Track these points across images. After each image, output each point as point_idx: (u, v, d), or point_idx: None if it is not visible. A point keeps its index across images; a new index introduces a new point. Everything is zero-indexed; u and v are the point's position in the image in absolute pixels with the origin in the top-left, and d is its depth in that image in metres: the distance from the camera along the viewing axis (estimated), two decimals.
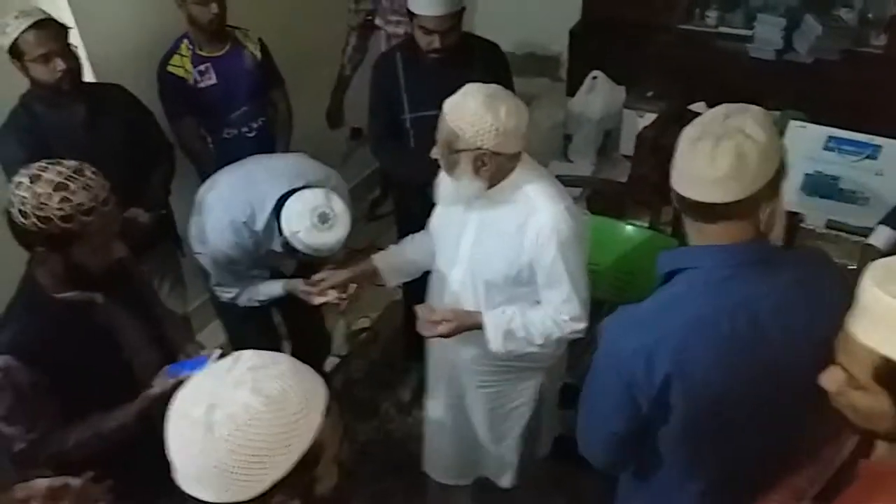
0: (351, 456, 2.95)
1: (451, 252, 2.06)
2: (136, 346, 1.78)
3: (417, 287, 3.11)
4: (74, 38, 2.47)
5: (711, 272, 1.36)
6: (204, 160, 2.90)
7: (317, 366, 2.83)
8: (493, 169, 1.85)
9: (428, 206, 2.64)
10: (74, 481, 1.35)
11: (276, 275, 2.50)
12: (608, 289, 2.71)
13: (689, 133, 1.34)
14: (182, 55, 2.84)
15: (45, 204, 1.50)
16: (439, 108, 2.54)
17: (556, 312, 1.95)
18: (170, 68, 2.83)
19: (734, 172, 1.27)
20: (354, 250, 4.01)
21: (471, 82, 2.52)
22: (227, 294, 2.43)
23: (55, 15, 2.41)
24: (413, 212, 2.89)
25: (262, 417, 0.93)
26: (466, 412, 2.31)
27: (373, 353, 3.46)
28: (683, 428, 1.41)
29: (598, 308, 2.18)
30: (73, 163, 1.57)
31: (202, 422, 0.93)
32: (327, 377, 3.25)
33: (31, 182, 1.51)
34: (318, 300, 2.29)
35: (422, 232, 2.29)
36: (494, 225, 1.95)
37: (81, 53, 2.52)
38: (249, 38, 3.00)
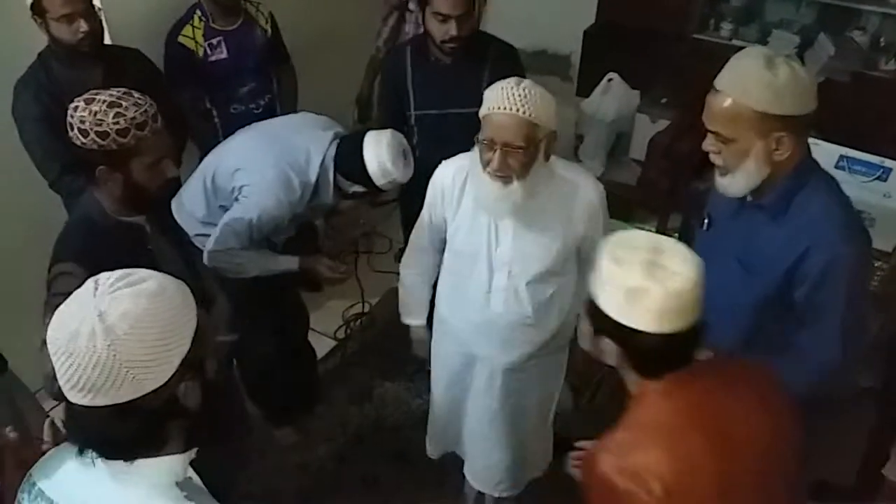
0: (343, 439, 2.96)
1: (485, 263, 2.03)
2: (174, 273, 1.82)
3: None
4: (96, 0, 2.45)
5: None
6: (205, 134, 2.88)
7: (301, 340, 2.89)
8: (552, 150, 1.89)
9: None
10: None
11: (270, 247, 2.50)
12: None
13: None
14: (194, 26, 2.82)
15: (102, 120, 1.61)
16: (445, 107, 2.57)
17: None
18: (180, 38, 2.81)
19: None
20: (355, 235, 4.06)
21: (481, 83, 2.53)
22: (233, 262, 2.37)
23: None
24: (416, 210, 2.90)
25: (152, 307, 1.02)
26: (517, 414, 2.28)
27: (369, 339, 3.46)
28: None
29: None
30: (121, 88, 1.68)
31: (99, 330, 0.99)
32: (321, 361, 3.27)
33: (87, 104, 1.63)
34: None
35: (414, 256, 2.30)
36: (534, 220, 1.95)
37: (102, 15, 2.50)
38: (261, 13, 2.98)
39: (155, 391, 1.03)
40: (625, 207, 2.94)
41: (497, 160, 1.80)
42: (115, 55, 2.50)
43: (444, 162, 2.12)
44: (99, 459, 1.07)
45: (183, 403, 1.07)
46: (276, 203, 2.25)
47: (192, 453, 1.13)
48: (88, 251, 1.70)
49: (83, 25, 2.30)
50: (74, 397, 1.02)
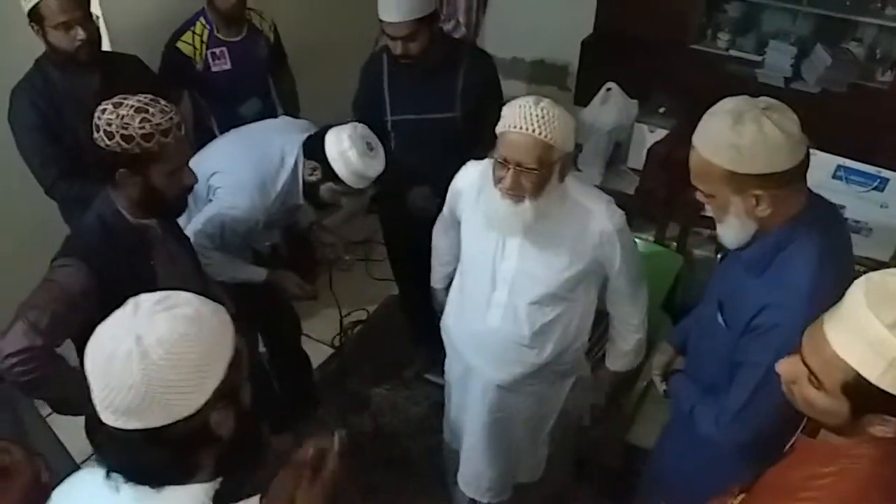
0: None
1: (488, 276, 2.01)
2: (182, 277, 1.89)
3: (412, 279, 3.15)
4: (95, 7, 2.45)
5: None
6: (201, 140, 2.88)
7: (293, 346, 2.91)
8: (567, 171, 1.87)
9: (407, 212, 2.67)
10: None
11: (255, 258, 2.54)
12: None
13: None
14: (196, 33, 2.82)
15: (129, 124, 1.64)
16: (420, 112, 2.58)
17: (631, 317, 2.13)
18: (178, 44, 2.82)
19: None
20: (353, 242, 4.06)
21: (455, 89, 2.56)
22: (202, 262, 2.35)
23: None
24: (395, 220, 2.93)
25: (189, 332, 1.02)
26: (507, 429, 2.28)
27: (367, 347, 3.46)
28: None
29: (600, 319, 2.23)
30: (149, 95, 1.73)
31: (135, 352, 0.99)
32: (319, 368, 3.26)
33: (115, 107, 1.66)
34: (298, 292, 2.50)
35: (442, 226, 2.31)
36: (543, 241, 1.92)
37: (101, 23, 2.51)
38: (265, 20, 2.99)
39: (187, 418, 1.02)
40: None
41: (510, 179, 1.78)
42: (112, 62, 2.50)
43: (468, 163, 2.12)
44: (125, 484, 1.06)
45: (215, 431, 1.07)
46: (250, 204, 2.27)
47: (217, 482, 1.11)
48: (97, 251, 1.74)
49: (80, 33, 2.30)
50: (108, 418, 1.03)
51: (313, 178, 2.32)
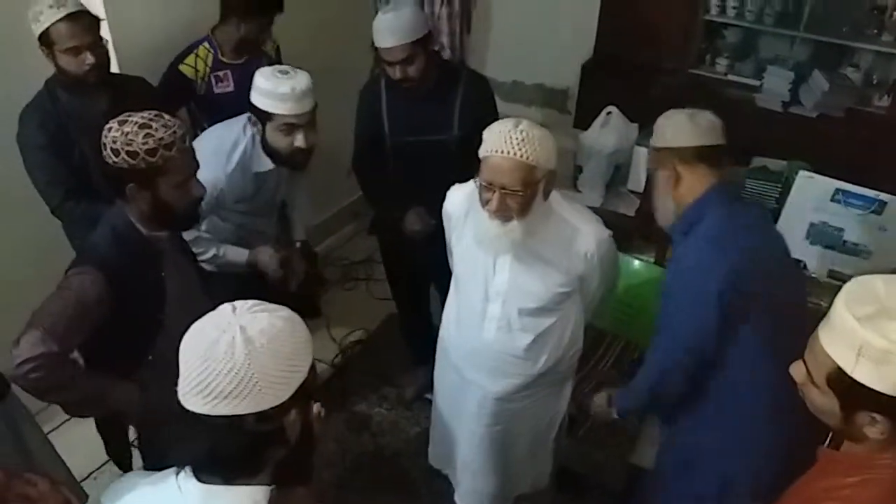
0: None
1: (482, 290, 2.05)
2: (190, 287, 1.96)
3: (410, 301, 3.16)
4: (104, 29, 2.48)
5: None
6: None
7: None
8: (551, 188, 1.90)
9: (404, 233, 2.69)
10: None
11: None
12: (611, 321, 2.74)
13: None
14: (199, 56, 2.85)
15: (133, 140, 1.69)
16: (418, 134, 2.61)
17: None
18: (181, 67, 2.85)
19: None
20: (354, 262, 4.08)
21: (453, 111, 2.60)
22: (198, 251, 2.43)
23: (87, 4, 2.42)
24: (392, 241, 2.94)
25: (286, 329, 1.11)
26: (506, 442, 2.30)
27: (367, 366, 3.46)
28: None
29: (600, 339, 2.25)
30: (153, 111, 1.77)
31: (240, 339, 1.06)
32: (320, 387, 3.26)
33: (120, 125, 1.71)
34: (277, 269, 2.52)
35: None
36: (532, 256, 1.96)
37: (109, 45, 2.54)
38: (271, 41, 3.02)
39: (273, 409, 1.09)
40: (623, 238, 2.96)
41: (496, 202, 1.82)
42: (120, 84, 2.53)
43: (453, 187, 2.15)
44: (188, 484, 1.12)
45: (287, 432, 1.13)
46: (213, 175, 2.24)
47: (272, 489, 1.15)
48: (111, 261, 1.78)
49: (89, 58, 2.33)
50: (195, 403, 1.08)
51: (259, 132, 2.38)
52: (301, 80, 2.30)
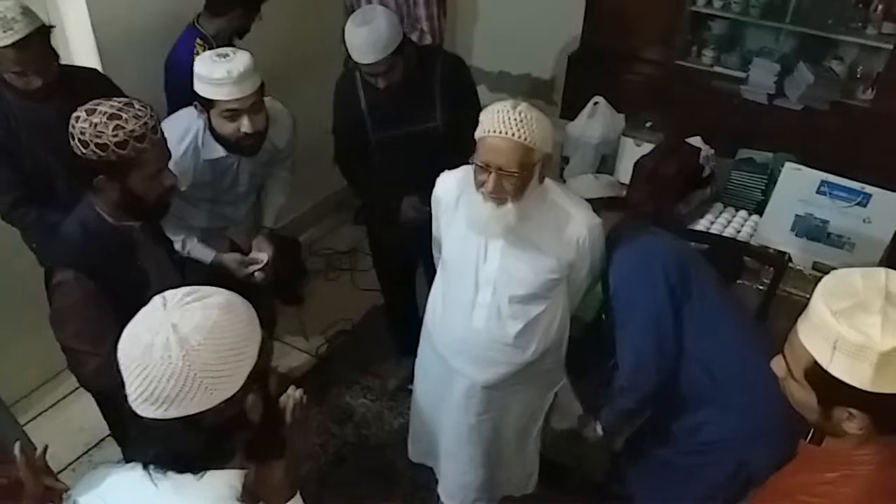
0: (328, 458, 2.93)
1: (472, 278, 2.03)
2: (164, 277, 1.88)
3: (398, 290, 3.15)
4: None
5: None
6: None
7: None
8: (546, 172, 1.89)
9: (396, 224, 2.66)
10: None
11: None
12: (591, 311, 2.73)
13: None
14: (199, 53, 2.78)
15: (102, 132, 1.63)
16: (403, 127, 2.58)
17: None
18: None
19: None
20: (339, 252, 4.05)
21: (434, 99, 2.57)
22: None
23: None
24: (382, 232, 2.92)
25: (223, 319, 1.05)
26: (494, 432, 2.29)
27: (350, 357, 3.43)
28: None
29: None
30: (123, 98, 1.70)
31: (173, 340, 1.01)
32: (302, 378, 3.24)
33: (88, 114, 1.64)
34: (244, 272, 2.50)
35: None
36: (524, 242, 1.95)
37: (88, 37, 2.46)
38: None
39: (225, 402, 1.05)
40: None
41: (491, 183, 1.80)
42: (70, 78, 2.36)
43: (443, 173, 2.13)
44: (164, 476, 1.09)
45: (249, 415, 1.10)
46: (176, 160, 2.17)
47: (246, 474, 1.14)
48: (85, 255, 1.73)
49: (36, 81, 2.23)
50: (146, 410, 1.04)
51: (206, 120, 2.31)
52: (239, 61, 2.19)
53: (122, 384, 1.06)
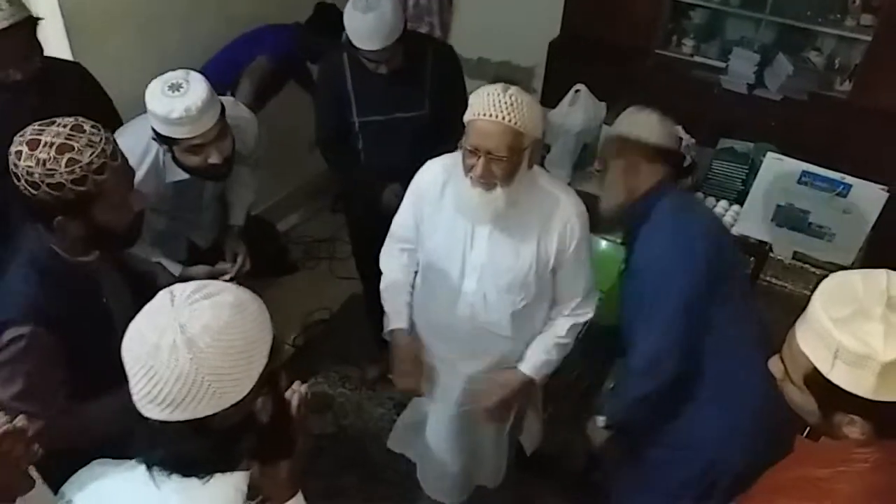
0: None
1: (458, 266, 2.00)
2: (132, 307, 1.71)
3: (378, 277, 3.10)
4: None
5: None
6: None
7: None
8: (536, 158, 1.87)
9: (376, 211, 2.60)
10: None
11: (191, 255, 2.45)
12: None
13: None
14: None
15: (54, 170, 1.39)
16: (389, 112, 2.54)
17: (576, 306, 2.06)
18: None
19: None
20: (317, 240, 4.00)
21: (423, 86, 2.54)
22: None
23: None
24: (362, 219, 2.87)
25: (233, 319, 1.00)
26: (474, 423, 2.25)
27: (329, 346, 3.39)
28: None
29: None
30: (68, 119, 1.46)
31: (181, 342, 0.96)
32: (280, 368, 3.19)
33: (32, 149, 1.40)
34: None
35: (392, 253, 2.20)
36: (512, 228, 1.92)
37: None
38: None
39: (234, 405, 1.01)
40: (591, 219, 2.94)
41: (480, 167, 1.76)
42: (50, 72, 2.19)
43: (427, 162, 2.08)
44: (169, 478, 1.04)
45: (259, 418, 1.06)
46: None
47: (252, 474, 1.10)
48: (42, 304, 1.50)
49: (15, 74, 2.09)
50: (152, 412, 0.99)
51: (169, 154, 2.14)
52: (195, 94, 1.97)
53: (70, 447, 1.03)
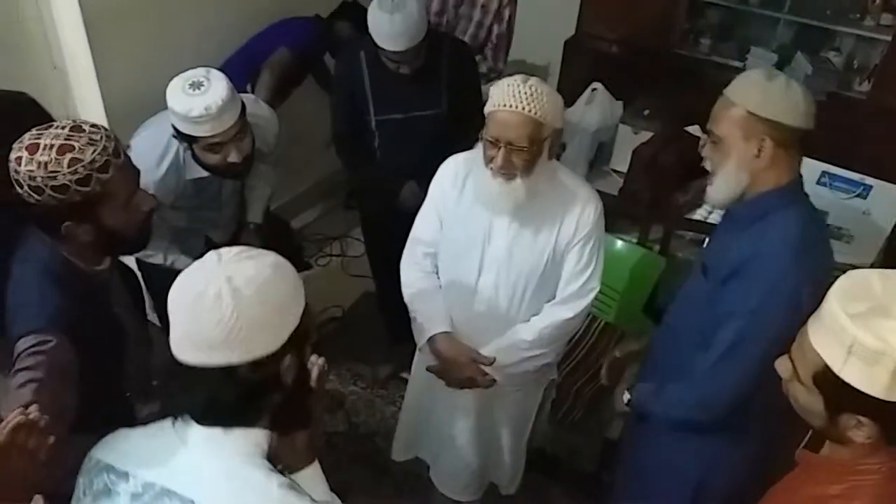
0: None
1: (476, 261, 1.98)
2: (124, 312, 1.69)
3: (391, 275, 3.09)
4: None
5: None
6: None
7: None
8: (556, 149, 1.86)
9: (392, 208, 2.60)
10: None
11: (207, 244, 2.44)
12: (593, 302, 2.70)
13: None
14: None
15: (56, 171, 1.36)
16: (407, 111, 2.53)
17: (567, 296, 2.00)
18: None
19: None
20: (329, 238, 4.00)
21: (440, 85, 2.54)
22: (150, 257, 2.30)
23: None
24: (377, 216, 2.87)
25: (275, 275, 1.08)
26: (489, 424, 2.25)
27: (341, 344, 3.38)
28: None
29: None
30: (65, 121, 1.42)
31: (227, 290, 1.03)
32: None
33: (31, 153, 1.36)
34: None
35: (417, 255, 2.16)
36: (531, 221, 1.91)
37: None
38: None
39: (265, 357, 1.06)
40: (606, 217, 2.92)
41: (501, 158, 1.76)
42: None
43: (447, 160, 2.07)
44: (188, 430, 1.10)
45: (283, 379, 1.10)
46: (143, 180, 1.88)
47: (272, 434, 1.15)
48: (64, 314, 1.45)
49: None
50: (187, 354, 1.05)
51: (189, 151, 2.14)
52: (216, 93, 1.98)
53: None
